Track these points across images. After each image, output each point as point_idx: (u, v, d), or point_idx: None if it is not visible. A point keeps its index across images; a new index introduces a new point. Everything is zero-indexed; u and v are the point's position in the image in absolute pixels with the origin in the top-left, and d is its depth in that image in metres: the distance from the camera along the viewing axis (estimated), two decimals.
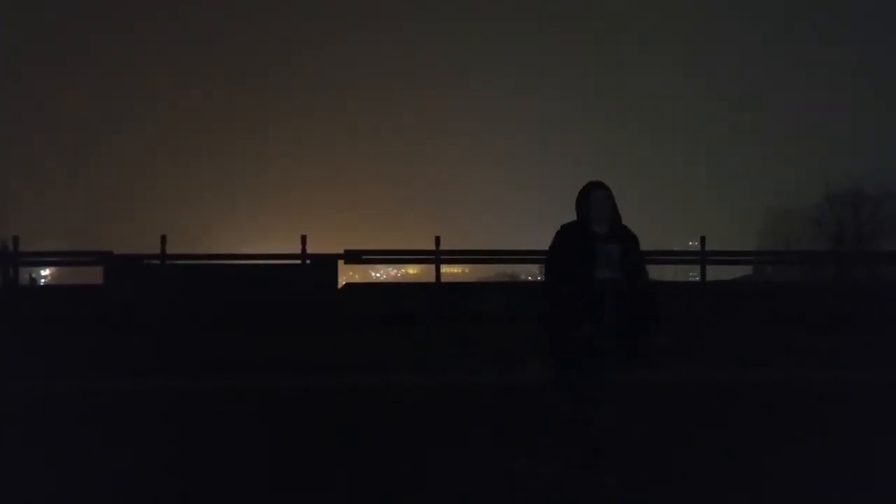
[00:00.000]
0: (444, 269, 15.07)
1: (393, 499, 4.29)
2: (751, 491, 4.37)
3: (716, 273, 16.88)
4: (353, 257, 15.00)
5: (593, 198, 4.42)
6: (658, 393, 7.04)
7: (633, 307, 4.36)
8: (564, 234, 4.51)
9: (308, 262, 14.47)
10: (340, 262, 14.72)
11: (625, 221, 4.52)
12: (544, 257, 4.61)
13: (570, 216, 4.53)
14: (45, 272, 22.15)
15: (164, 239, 14.53)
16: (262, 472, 4.77)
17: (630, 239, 4.48)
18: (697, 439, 5.48)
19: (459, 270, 29.38)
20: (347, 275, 16.68)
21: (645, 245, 4.67)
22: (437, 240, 14.84)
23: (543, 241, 5.11)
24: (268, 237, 44.03)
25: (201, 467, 4.88)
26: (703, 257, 15.47)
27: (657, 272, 19.89)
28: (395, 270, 55.76)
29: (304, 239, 14.47)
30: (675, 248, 24.42)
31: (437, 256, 14.86)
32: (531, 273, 29.88)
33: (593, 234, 4.41)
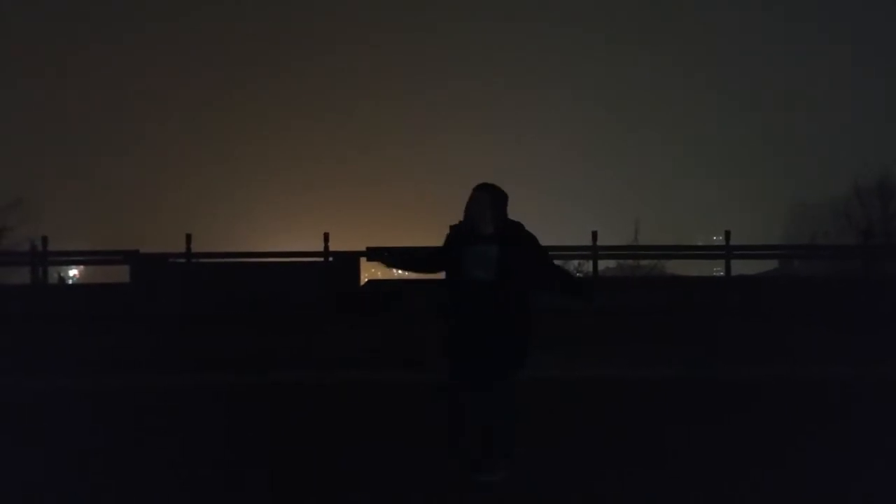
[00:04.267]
0: None
1: (405, 497, 4.31)
2: (762, 492, 4.31)
3: (741, 268, 16.71)
4: (376, 254, 15.04)
5: (472, 197, 4.49)
6: (673, 391, 7.00)
7: (509, 305, 4.41)
8: (448, 234, 4.60)
9: (331, 259, 14.55)
10: (363, 260, 14.78)
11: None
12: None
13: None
14: (74, 271, 22.49)
15: (189, 237, 14.69)
16: (264, 467, 4.81)
17: (516, 240, 4.47)
18: (712, 439, 5.44)
19: None
20: (370, 272, 16.74)
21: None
22: None
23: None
24: (291, 235, 44.33)
25: (215, 464, 4.95)
26: (727, 252, 15.30)
27: (681, 267, 19.71)
28: None
29: (326, 236, 14.56)
30: (700, 244, 24.20)
31: None
32: None
33: (472, 235, 4.45)
